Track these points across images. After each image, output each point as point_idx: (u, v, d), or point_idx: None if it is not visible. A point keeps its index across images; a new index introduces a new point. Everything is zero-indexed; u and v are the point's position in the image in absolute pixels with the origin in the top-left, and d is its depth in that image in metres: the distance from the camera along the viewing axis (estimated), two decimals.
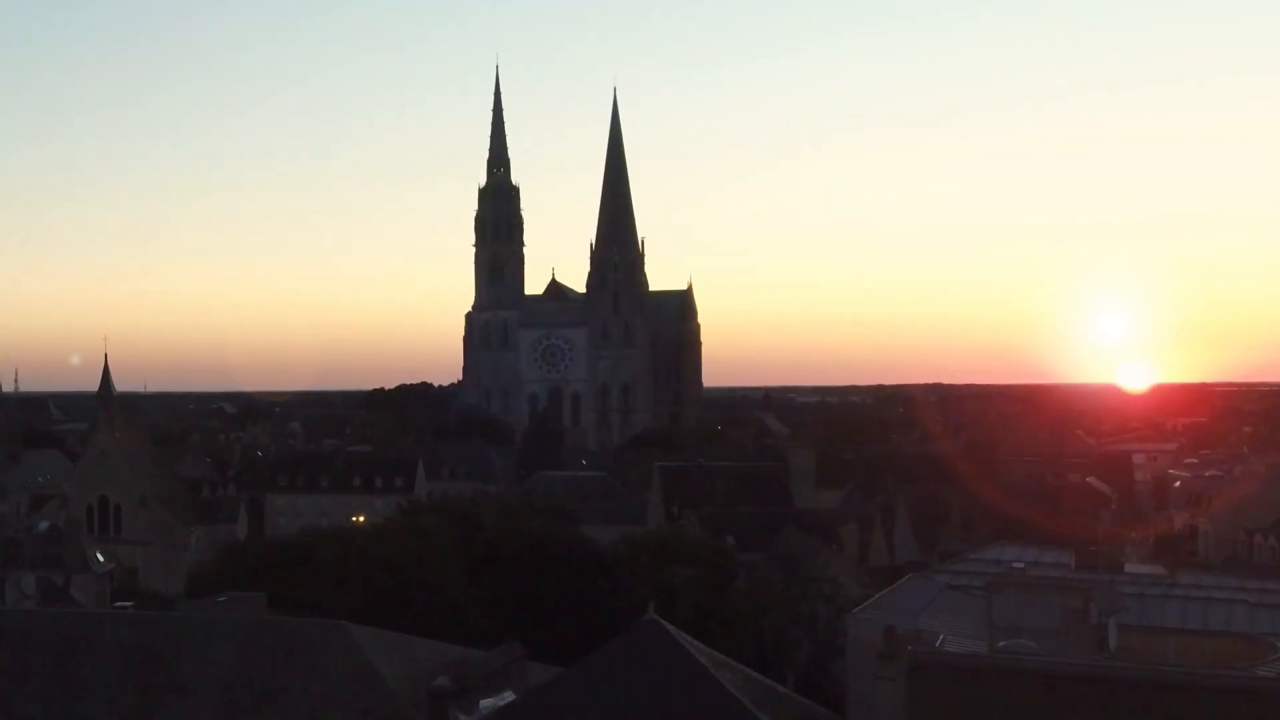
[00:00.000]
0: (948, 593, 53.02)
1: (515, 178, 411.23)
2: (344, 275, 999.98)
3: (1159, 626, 47.30)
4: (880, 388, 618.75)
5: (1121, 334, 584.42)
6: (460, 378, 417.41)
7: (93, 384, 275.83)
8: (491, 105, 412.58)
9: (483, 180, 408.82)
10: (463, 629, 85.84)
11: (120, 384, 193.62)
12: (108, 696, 44.03)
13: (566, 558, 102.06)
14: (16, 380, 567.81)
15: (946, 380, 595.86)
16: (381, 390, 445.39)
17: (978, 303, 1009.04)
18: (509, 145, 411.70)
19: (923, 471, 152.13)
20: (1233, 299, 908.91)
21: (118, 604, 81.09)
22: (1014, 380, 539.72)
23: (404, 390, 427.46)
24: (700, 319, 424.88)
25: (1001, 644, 38.69)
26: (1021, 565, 59.69)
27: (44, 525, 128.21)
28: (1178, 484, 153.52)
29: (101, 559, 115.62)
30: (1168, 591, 53.93)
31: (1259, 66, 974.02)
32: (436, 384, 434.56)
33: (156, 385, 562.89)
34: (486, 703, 42.29)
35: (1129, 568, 60.91)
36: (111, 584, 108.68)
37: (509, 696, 43.01)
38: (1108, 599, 42.83)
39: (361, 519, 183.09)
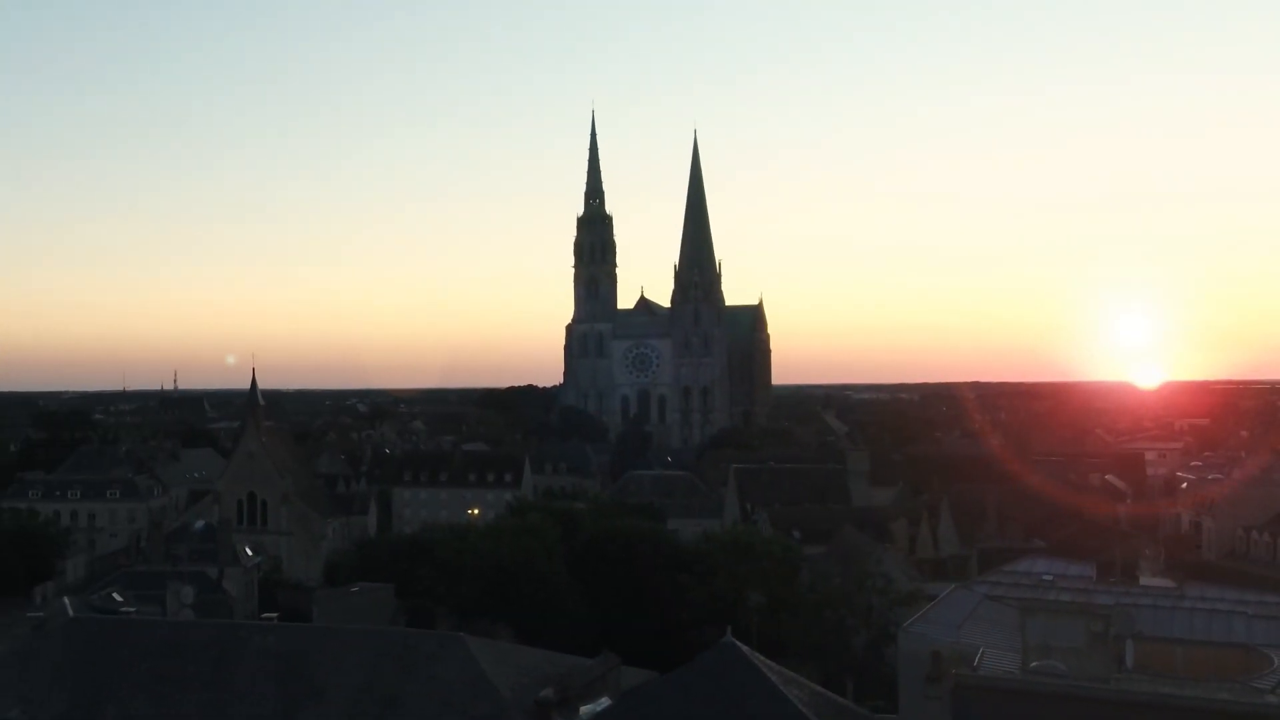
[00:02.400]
0: (986, 604, 52.74)
1: (609, 207, 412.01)
2: (464, 290, 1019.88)
3: (1169, 638, 47.00)
4: (926, 385, 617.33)
5: (1135, 335, 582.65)
6: (561, 381, 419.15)
7: (241, 381, 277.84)
8: (588, 145, 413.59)
9: (581, 210, 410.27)
10: (563, 619, 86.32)
11: (266, 382, 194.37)
12: (256, 699, 44.33)
13: (654, 555, 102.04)
14: (175, 381, 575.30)
15: (984, 378, 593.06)
16: (494, 390, 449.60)
17: (1010, 307, 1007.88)
18: (603, 179, 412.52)
19: (963, 471, 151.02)
20: (1232, 302, 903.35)
21: (264, 615, 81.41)
22: (1040, 378, 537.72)
23: (513, 391, 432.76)
24: (769, 329, 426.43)
25: (1034, 664, 38.42)
26: (1050, 577, 59.44)
27: (200, 524, 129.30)
28: (1184, 485, 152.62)
29: (250, 553, 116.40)
30: (1176, 604, 53.59)
31: (1268, 74, 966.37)
32: (541, 386, 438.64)
33: (298, 383, 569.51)
34: (586, 709, 42.37)
35: (1143, 580, 60.57)
36: (258, 575, 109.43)
37: (605, 703, 43.05)
38: (1125, 622, 42.69)
39: (475, 511, 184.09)
